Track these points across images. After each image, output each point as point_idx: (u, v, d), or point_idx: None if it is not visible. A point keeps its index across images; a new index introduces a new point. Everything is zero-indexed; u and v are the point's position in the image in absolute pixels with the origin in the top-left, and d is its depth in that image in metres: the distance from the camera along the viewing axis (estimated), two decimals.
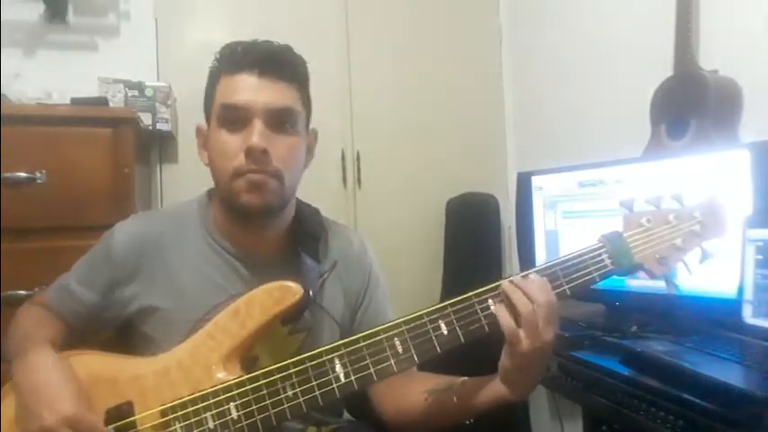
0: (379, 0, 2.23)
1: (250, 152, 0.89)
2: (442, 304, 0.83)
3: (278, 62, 0.93)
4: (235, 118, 0.91)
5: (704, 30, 1.44)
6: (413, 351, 0.81)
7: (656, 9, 1.52)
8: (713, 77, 1.36)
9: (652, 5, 1.57)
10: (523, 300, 0.80)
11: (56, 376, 0.83)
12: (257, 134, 0.89)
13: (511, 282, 0.83)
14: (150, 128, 1.81)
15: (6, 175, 1.42)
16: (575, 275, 0.85)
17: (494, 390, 0.86)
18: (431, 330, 0.82)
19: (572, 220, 1.55)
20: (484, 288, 0.84)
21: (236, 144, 0.90)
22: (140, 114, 1.72)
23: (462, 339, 0.82)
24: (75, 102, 1.62)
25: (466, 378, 0.91)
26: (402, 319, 0.83)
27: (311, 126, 1.04)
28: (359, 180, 2.17)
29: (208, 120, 0.98)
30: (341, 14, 2.17)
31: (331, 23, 2.16)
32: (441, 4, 2.28)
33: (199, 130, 1.01)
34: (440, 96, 2.26)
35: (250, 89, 0.91)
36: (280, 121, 0.92)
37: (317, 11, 2.15)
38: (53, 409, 0.79)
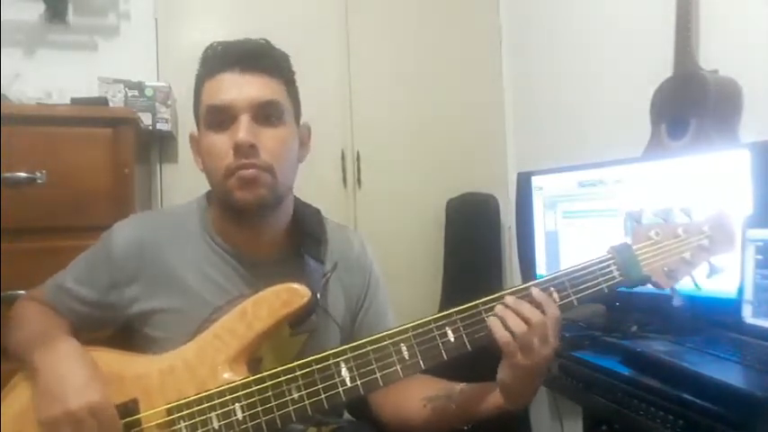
0: (379, 0, 2.23)
1: (238, 148, 0.89)
2: (448, 311, 0.84)
3: (258, 57, 0.93)
4: (221, 118, 0.91)
5: (704, 30, 1.44)
6: (419, 357, 0.82)
7: (656, 9, 1.53)
8: (713, 77, 1.36)
9: (652, 6, 1.57)
10: (517, 321, 0.81)
11: (83, 365, 0.83)
12: (243, 129, 0.89)
13: (504, 303, 0.83)
14: (150, 128, 1.81)
15: (6, 175, 1.42)
16: (582, 286, 0.86)
17: (492, 399, 0.87)
18: (437, 337, 0.82)
19: (572, 220, 1.56)
20: (491, 296, 0.84)
21: (225, 143, 0.90)
22: (140, 114, 1.72)
23: (469, 347, 0.82)
24: (75, 102, 1.62)
25: (464, 385, 0.92)
26: (409, 325, 0.83)
27: (305, 121, 1.03)
28: (359, 180, 2.17)
29: (197, 122, 0.98)
30: (341, 14, 2.17)
31: (331, 23, 2.16)
32: (441, 4, 2.29)
33: (192, 137, 1.01)
34: (440, 97, 2.26)
35: (233, 87, 0.91)
36: (266, 114, 0.92)
37: (317, 11, 2.15)
38: (80, 395, 0.79)
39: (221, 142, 0.91)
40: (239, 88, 0.90)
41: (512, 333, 0.80)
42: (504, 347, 0.81)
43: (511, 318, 0.81)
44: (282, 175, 0.94)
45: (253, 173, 0.90)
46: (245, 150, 0.89)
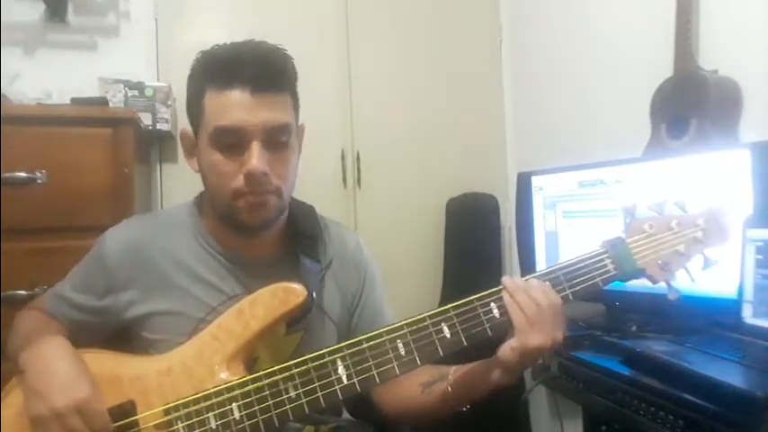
0: (379, 0, 2.23)
1: (251, 176, 0.87)
2: (444, 307, 0.84)
3: (269, 75, 0.88)
4: (230, 141, 0.88)
5: (704, 30, 1.44)
6: (415, 354, 0.82)
7: (656, 9, 1.53)
8: (713, 77, 1.36)
9: (652, 5, 1.57)
10: (527, 300, 0.82)
11: (69, 363, 0.83)
12: (257, 158, 0.86)
13: (514, 281, 0.84)
14: (150, 128, 1.81)
15: (6, 175, 1.42)
16: (577, 280, 0.86)
17: (488, 378, 0.87)
18: (433, 333, 0.82)
19: (572, 220, 1.56)
20: (486, 292, 0.85)
21: (234, 167, 0.88)
22: (140, 114, 1.72)
23: (465, 342, 0.82)
24: (75, 102, 1.63)
25: (457, 367, 0.92)
26: (405, 322, 0.83)
27: (301, 122, 1.01)
28: (359, 180, 2.17)
29: (195, 129, 0.94)
30: (341, 14, 2.17)
31: (331, 23, 2.16)
32: (441, 4, 2.28)
33: (184, 136, 0.96)
34: (440, 96, 2.26)
35: (244, 109, 0.86)
36: (276, 138, 0.90)
37: (316, 11, 2.15)
38: (66, 394, 0.78)
39: (230, 164, 0.88)
40: (251, 112, 0.86)
41: (523, 311, 0.81)
42: (517, 323, 0.81)
43: (522, 297, 0.82)
44: (287, 194, 0.94)
45: (262, 198, 0.89)
46: (258, 178, 0.87)
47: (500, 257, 2.21)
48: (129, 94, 1.79)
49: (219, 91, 0.88)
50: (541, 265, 1.63)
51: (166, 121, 1.83)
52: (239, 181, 0.88)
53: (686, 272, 0.88)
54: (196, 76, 0.93)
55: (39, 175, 1.45)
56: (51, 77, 1.84)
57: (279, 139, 0.90)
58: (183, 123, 0.98)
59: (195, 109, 0.92)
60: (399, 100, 2.22)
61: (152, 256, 0.97)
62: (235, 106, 0.87)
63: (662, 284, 0.88)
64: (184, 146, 0.98)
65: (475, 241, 2.15)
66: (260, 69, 0.88)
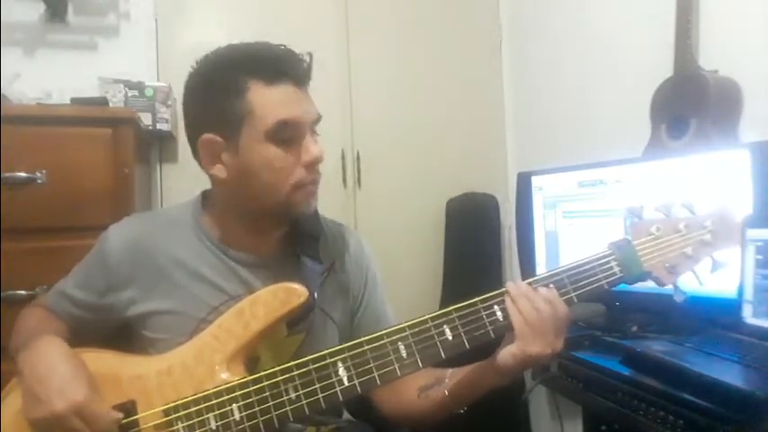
0: (379, 1, 2.22)
1: (313, 164, 0.92)
2: (446, 309, 0.84)
3: (304, 70, 0.92)
4: (289, 134, 0.89)
5: (704, 30, 1.44)
6: (417, 356, 0.82)
7: (656, 9, 1.53)
8: (713, 77, 1.36)
9: (652, 5, 1.57)
10: (529, 307, 0.82)
11: (66, 364, 0.83)
12: (316, 146, 0.92)
13: (518, 286, 0.84)
14: (150, 128, 1.81)
15: (6, 175, 1.42)
16: (582, 283, 0.85)
17: (486, 381, 0.87)
18: (435, 336, 0.82)
19: (572, 220, 1.56)
20: (489, 294, 0.85)
21: (293, 159, 0.90)
22: (140, 114, 1.72)
23: (467, 345, 0.82)
24: (75, 102, 1.62)
25: (453, 369, 0.92)
26: (406, 324, 0.83)
27: None
28: (359, 180, 2.17)
29: (229, 130, 0.89)
30: (341, 14, 2.17)
31: (331, 23, 2.16)
32: (441, 4, 2.28)
33: (209, 143, 0.91)
34: (440, 96, 2.25)
35: (297, 102, 0.90)
36: (315, 130, 0.95)
37: (316, 11, 2.15)
38: (64, 396, 0.78)
39: (288, 157, 0.90)
40: (302, 104, 0.91)
41: (524, 318, 0.81)
42: (517, 329, 0.81)
43: (523, 302, 0.82)
44: None
45: (317, 187, 0.95)
46: (317, 166, 0.93)
47: (500, 257, 2.21)
48: (129, 94, 1.79)
49: (271, 85, 0.89)
50: (541, 265, 1.63)
51: (166, 121, 1.83)
52: (300, 173, 0.91)
53: (694, 275, 0.87)
54: (227, 74, 0.89)
55: (39, 175, 1.45)
56: (51, 77, 1.84)
57: (315, 131, 0.95)
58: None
59: (232, 108, 0.88)
60: (399, 100, 2.22)
61: (154, 254, 0.97)
62: (290, 100, 0.90)
63: (668, 286, 0.88)
64: (207, 153, 0.92)
65: (475, 241, 2.15)
66: (301, 64, 0.92)
